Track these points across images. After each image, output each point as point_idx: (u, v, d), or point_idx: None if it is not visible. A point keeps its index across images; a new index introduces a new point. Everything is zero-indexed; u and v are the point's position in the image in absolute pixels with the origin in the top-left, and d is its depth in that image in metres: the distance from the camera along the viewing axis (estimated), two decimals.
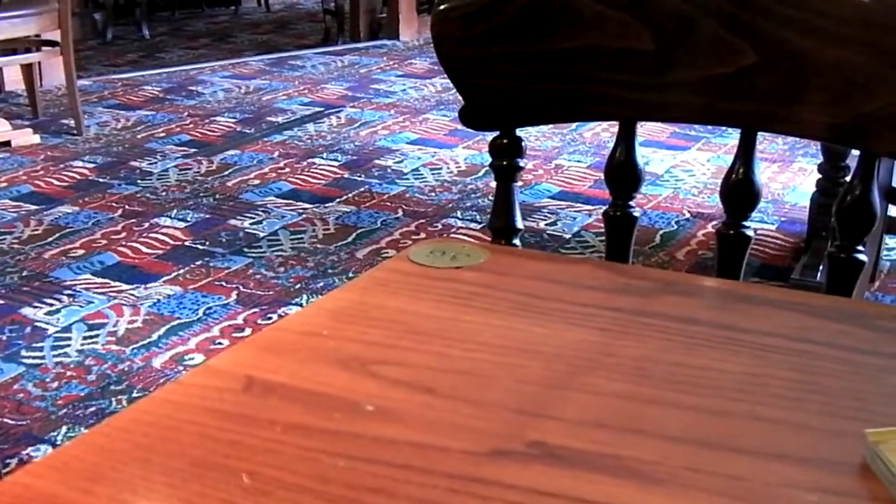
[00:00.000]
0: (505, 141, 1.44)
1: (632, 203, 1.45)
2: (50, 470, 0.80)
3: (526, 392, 0.90)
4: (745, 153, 1.39)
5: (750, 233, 1.40)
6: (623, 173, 1.44)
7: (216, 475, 0.78)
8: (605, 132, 5.55)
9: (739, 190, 1.39)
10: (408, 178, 5.09)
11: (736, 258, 1.40)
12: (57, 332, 3.54)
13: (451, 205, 4.71)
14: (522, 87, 1.42)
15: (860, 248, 1.36)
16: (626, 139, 1.43)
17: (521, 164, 1.44)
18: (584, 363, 0.95)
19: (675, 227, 4.46)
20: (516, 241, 1.46)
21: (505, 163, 1.44)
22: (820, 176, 4.01)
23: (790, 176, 4.99)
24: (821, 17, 1.31)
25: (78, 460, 0.81)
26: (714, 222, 4.49)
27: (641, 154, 1.45)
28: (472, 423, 0.85)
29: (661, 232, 4.38)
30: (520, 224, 1.45)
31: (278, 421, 0.85)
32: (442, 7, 1.41)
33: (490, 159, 1.46)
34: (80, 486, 0.77)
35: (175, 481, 0.77)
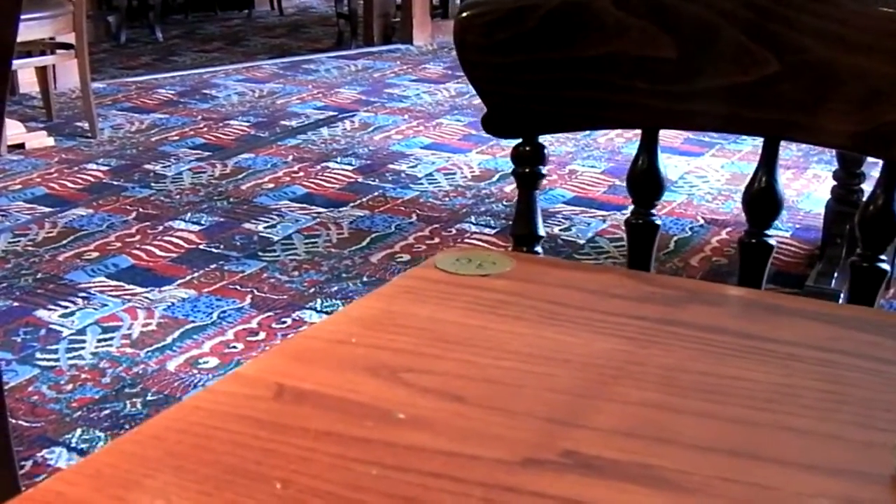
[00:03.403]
0: (528, 148, 1.44)
1: (654, 211, 1.45)
2: (83, 477, 0.80)
3: (556, 401, 0.90)
4: (768, 162, 1.39)
5: (772, 241, 1.40)
6: (645, 181, 1.44)
7: (249, 483, 0.78)
8: (619, 137, 5.54)
9: (762, 199, 1.39)
10: (422, 183, 5.10)
11: (758, 267, 1.40)
12: (71, 334, 3.54)
13: (465, 210, 4.71)
14: (545, 95, 1.42)
15: (882, 257, 1.35)
16: (648, 147, 1.43)
17: (544, 171, 1.45)
18: (612, 372, 0.95)
19: (690, 233, 4.46)
20: (538, 248, 1.46)
21: (527, 170, 1.44)
22: (835, 183, 4.01)
23: (804, 182, 4.99)
24: (843, 26, 1.31)
25: (111, 467, 0.81)
26: (728, 229, 4.49)
27: (663, 162, 1.45)
28: (503, 431, 0.85)
29: (675, 238, 4.38)
30: (541, 231, 1.46)
31: (310, 429, 0.85)
32: (465, 14, 1.41)
33: (510, 165, 1.46)
34: (114, 493, 0.78)
35: (208, 489, 0.77)
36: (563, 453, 0.82)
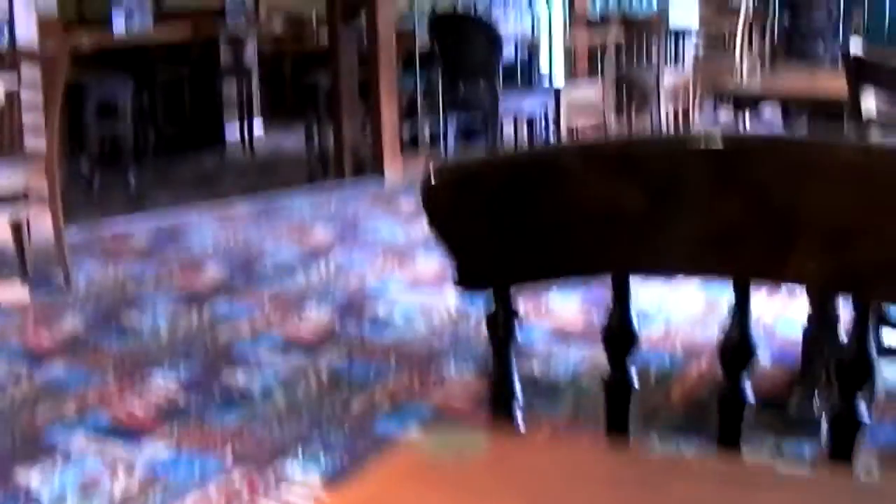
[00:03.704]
0: (500, 313, 1.44)
1: (630, 367, 1.45)
2: None
3: None
4: (739, 306, 1.40)
5: (749, 393, 1.40)
6: (618, 335, 1.45)
7: None
8: None
9: (735, 347, 1.40)
10: (399, 325, 5.10)
11: (735, 422, 1.41)
12: (51, 499, 3.51)
13: (443, 352, 4.71)
14: (515, 247, 1.43)
15: (861, 407, 1.36)
16: (619, 298, 1.44)
17: (519, 337, 1.45)
18: None
19: (669, 365, 4.46)
20: (518, 413, 1.46)
21: (501, 335, 1.45)
22: (809, 307, 4.03)
23: (780, 305, 4.99)
24: (808, 169, 1.33)
25: None
26: (708, 358, 4.50)
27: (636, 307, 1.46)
28: None
29: (654, 371, 4.38)
30: (519, 394, 1.46)
31: None
32: (433, 182, 1.42)
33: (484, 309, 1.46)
34: None
35: None
36: None
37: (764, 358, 4.44)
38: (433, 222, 1.45)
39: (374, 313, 5.29)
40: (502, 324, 1.46)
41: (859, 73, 3.50)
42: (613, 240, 1.41)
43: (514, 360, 1.47)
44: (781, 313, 4.92)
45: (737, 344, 1.40)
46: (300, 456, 3.75)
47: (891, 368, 4.19)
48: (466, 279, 1.46)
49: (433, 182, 1.43)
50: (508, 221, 1.42)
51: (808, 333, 4.08)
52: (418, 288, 5.68)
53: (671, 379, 4.33)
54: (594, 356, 4.49)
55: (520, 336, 1.47)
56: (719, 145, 1.38)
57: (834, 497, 1.09)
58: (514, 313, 1.45)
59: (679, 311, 5.05)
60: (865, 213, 1.32)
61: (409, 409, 4.12)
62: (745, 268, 1.39)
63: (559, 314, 5.06)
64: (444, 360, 4.61)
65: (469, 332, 4.92)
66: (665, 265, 1.44)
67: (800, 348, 4.18)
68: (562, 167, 1.41)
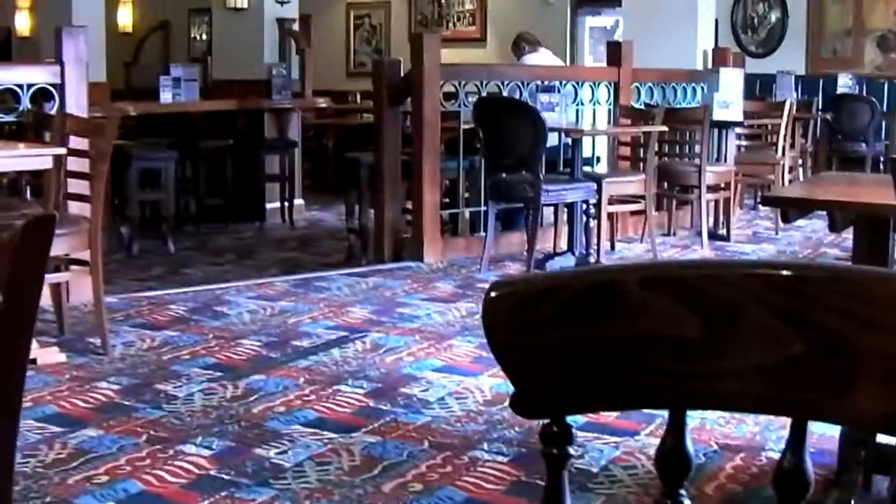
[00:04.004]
0: (555, 429, 1.44)
1: (682, 493, 1.44)
2: None
3: None
4: (796, 443, 1.39)
5: None
6: (673, 463, 1.44)
7: None
8: None
9: (790, 481, 1.39)
10: (433, 408, 5.09)
11: None
12: None
13: (477, 436, 4.69)
14: (573, 376, 1.43)
15: None
16: (676, 428, 1.43)
17: (572, 451, 1.45)
18: None
19: (703, 459, 4.43)
20: None
21: (555, 451, 1.44)
22: None
23: None
24: (867, 305, 1.32)
25: None
26: (742, 454, 4.47)
27: (691, 439, 1.45)
28: None
29: None
30: None
31: None
32: (494, 294, 1.42)
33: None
34: None
35: None
36: None
37: None
38: (490, 338, 1.45)
39: (409, 394, 5.28)
40: (557, 446, 1.46)
41: None
42: (670, 371, 1.40)
43: (566, 481, 1.47)
44: None
45: (792, 479, 1.39)
46: None
47: None
48: (524, 406, 1.46)
49: (494, 295, 1.43)
50: (566, 346, 1.42)
51: (845, 435, 4.05)
52: (453, 371, 5.68)
53: (705, 474, 4.29)
54: (627, 447, 4.48)
55: (573, 452, 1.47)
56: (783, 273, 1.37)
57: None
58: (569, 437, 1.46)
59: None
60: None
61: (441, 493, 4.10)
62: (804, 406, 1.38)
63: None
64: (477, 444, 4.59)
65: (503, 417, 4.91)
66: (722, 399, 1.44)
67: (837, 448, 4.15)
68: (621, 290, 1.41)
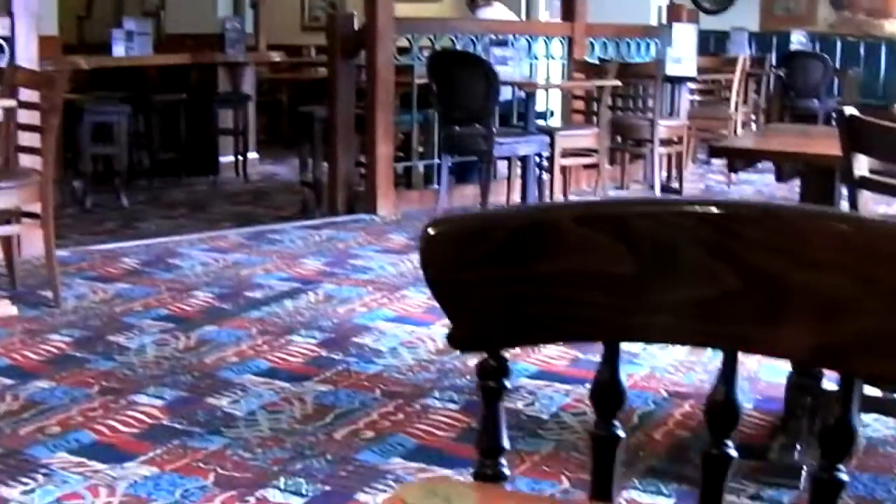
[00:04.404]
0: (492, 362, 1.47)
1: (616, 423, 1.48)
2: None
3: None
4: (727, 375, 1.42)
5: (733, 452, 1.42)
6: (608, 395, 1.47)
7: None
8: None
9: (722, 412, 1.42)
10: (385, 357, 5.12)
11: (718, 481, 1.43)
12: None
13: (429, 384, 4.73)
14: (509, 311, 1.46)
15: (841, 468, 1.38)
16: (609, 361, 1.47)
17: (508, 384, 1.48)
18: None
19: (653, 406, 4.49)
20: (503, 461, 1.49)
21: (492, 384, 1.47)
22: None
23: None
24: (799, 243, 1.35)
25: None
26: (691, 401, 4.52)
27: (625, 371, 1.48)
28: None
29: (638, 412, 4.40)
30: (506, 444, 1.48)
31: None
32: (431, 232, 1.45)
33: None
34: None
35: None
36: None
37: (747, 404, 4.51)
38: (427, 275, 1.47)
39: (361, 344, 5.31)
40: (493, 379, 1.48)
41: (852, 133, 3.51)
42: (605, 305, 1.43)
43: (502, 413, 1.50)
44: (765, 360, 4.95)
45: (723, 409, 1.43)
46: (282, 483, 3.76)
47: (870, 420, 4.24)
48: (460, 340, 1.49)
49: (431, 233, 1.45)
50: (503, 282, 1.45)
51: (791, 381, 4.10)
52: (406, 321, 5.71)
53: (654, 421, 4.35)
54: (577, 394, 4.52)
55: (508, 385, 1.49)
56: (715, 211, 1.40)
57: None
58: (505, 370, 1.48)
59: (664, 354, 5.08)
60: (855, 287, 1.34)
61: (393, 440, 4.14)
62: (735, 338, 1.41)
63: (545, 354, 5.08)
64: (428, 393, 4.63)
65: (454, 365, 4.94)
66: (655, 332, 1.47)
67: (783, 395, 4.21)
68: (557, 228, 1.43)
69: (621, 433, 1.47)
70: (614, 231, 1.43)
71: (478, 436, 1.50)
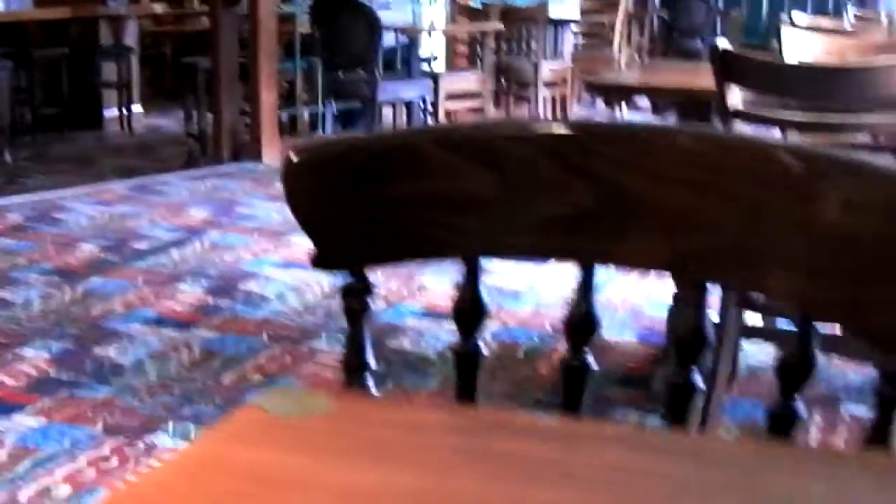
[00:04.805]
0: (355, 283, 1.50)
1: (478, 340, 1.52)
2: None
3: None
4: (584, 288, 1.47)
5: (593, 363, 1.47)
6: (469, 312, 1.51)
7: None
8: None
9: (580, 323, 1.47)
10: (272, 302, 5.14)
11: (578, 390, 1.48)
12: None
13: (316, 328, 4.76)
14: (370, 231, 1.49)
15: (696, 373, 1.44)
16: (471, 277, 1.50)
17: (371, 304, 1.51)
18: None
19: (538, 341, 4.56)
20: (369, 380, 1.52)
21: (355, 304, 1.51)
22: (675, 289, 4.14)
23: (649, 287, 5.11)
24: (648, 158, 1.40)
25: None
26: None
27: (487, 287, 1.52)
28: None
29: (523, 347, 4.47)
30: (372, 362, 1.52)
31: None
32: (293, 158, 1.48)
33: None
34: None
35: None
36: None
37: (631, 337, 4.60)
38: (290, 201, 1.50)
39: (248, 291, 5.32)
40: (356, 298, 1.52)
41: (725, 67, 3.60)
42: (465, 224, 1.47)
43: (367, 331, 1.53)
44: (650, 295, 5.04)
45: (581, 321, 1.47)
46: (170, 428, 3.78)
47: (752, 349, 4.33)
48: (324, 262, 1.52)
49: (293, 161, 1.48)
50: (364, 204, 1.48)
51: (672, 313, 4.19)
52: (292, 267, 5.71)
53: (539, 355, 4.42)
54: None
55: (373, 306, 1.53)
56: (568, 132, 1.45)
57: (657, 450, 1.16)
58: (368, 288, 1.51)
59: (549, 291, 5.14)
60: (704, 200, 1.39)
61: (280, 382, 4.17)
62: (591, 252, 1.45)
63: (431, 293, 5.13)
64: (315, 336, 4.66)
65: (341, 309, 4.96)
66: (516, 249, 1.51)
67: (665, 327, 4.30)
68: (418, 151, 1.47)
69: (484, 350, 1.52)
70: (474, 153, 1.46)
71: (344, 355, 1.53)
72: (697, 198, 1.38)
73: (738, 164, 1.38)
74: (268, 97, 8.69)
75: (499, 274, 4.96)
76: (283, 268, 5.72)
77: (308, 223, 1.50)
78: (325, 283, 5.33)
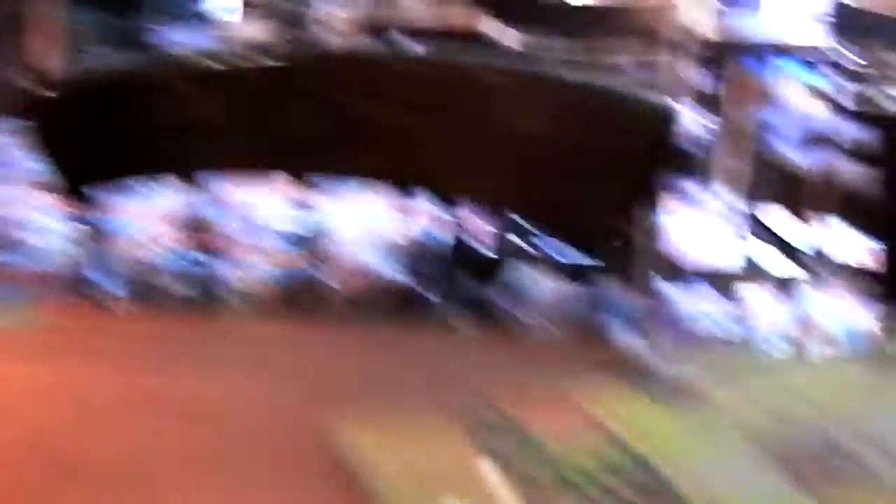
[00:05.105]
0: (82, 207, 1.56)
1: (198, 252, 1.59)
2: None
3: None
4: (303, 203, 1.56)
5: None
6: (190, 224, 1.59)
7: None
8: None
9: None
10: None
11: None
12: None
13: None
14: (103, 154, 1.55)
15: None
16: (192, 193, 1.58)
17: (104, 224, 1.57)
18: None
19: None
20: (94, 293, 1.58)
21: (80, 225, 1.57)
22: None
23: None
24: (370, 80, 1.50)
25: None
26: None
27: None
28: None
29: None
30: (98, 277, 1.58)
31: None
32: (42, 97, 1.52)
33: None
34: None
35: None
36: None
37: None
38: (38, 137, 1.55)
39: None
40: (82, 217, 1.58)
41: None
42: (193, 146, 1.54)
43: (98, 249, 1.59)
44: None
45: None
46: None
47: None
48: (69, 184, 1.58)
49: (41, 99, 1.52)
50: (104, 133, 1.54)
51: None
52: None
53: None
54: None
55: (99, 226, 1.58)
56: (289, 61, 1.52)
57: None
58: (94, 208, 1.57)
59: None
60: (414, 117, 1.49)
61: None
62: (323, 167, 1.54)
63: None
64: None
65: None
66: (238, 167, 1.59)
67: None
68: (152, 80, 1.53)
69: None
70: (204, 83, 1.53)
71: (69, 270, 1.58)
72: (412, 117, 1.48)
73: (445, 82, 1.49)
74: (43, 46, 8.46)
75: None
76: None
77: (48, 150, 1.55)
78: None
